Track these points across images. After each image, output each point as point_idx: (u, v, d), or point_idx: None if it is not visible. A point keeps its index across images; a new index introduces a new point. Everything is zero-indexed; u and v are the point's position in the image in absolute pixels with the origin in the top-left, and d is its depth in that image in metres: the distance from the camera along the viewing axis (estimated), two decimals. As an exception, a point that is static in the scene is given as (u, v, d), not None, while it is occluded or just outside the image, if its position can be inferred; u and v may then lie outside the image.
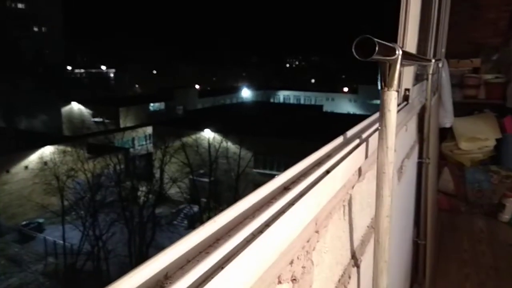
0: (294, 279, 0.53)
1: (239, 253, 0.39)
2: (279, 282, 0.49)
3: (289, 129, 17.60)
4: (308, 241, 0.57)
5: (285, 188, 0.55)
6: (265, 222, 0.45)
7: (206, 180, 17.63)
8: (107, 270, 13.74)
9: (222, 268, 0.36)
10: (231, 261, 0.37)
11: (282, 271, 0.49)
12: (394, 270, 1.29)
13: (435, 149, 2.49)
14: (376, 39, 0.59)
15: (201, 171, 18.21)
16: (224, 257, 0.38)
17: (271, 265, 0.45)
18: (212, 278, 0.35)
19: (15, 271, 14.05)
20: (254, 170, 17.77)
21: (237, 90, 42.23)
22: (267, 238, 0.43)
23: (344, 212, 0.75)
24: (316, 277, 0.62)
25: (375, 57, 0.60)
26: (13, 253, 15.14)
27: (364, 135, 0.84)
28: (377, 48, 0.59)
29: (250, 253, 0.40)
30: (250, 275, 0.41)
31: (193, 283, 0.34)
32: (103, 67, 53.19)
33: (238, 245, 0.40)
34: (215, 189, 17.29)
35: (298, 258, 0.54)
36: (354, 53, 0.59)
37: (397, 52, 0.69)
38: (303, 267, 0.56)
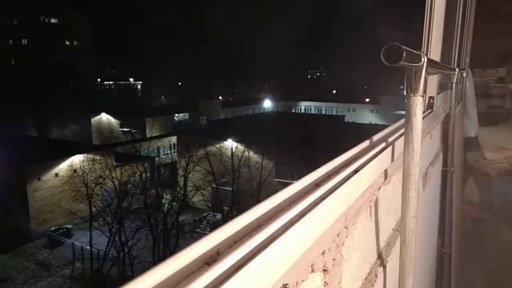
0: (325, 270, 0.57)
1: (279, 237, 0.44)
2: (312, 271, 0.54)
3: (310, 139, 17.49)
4: (338, 235, 0.61)
5: (317, 184, 0.59)
6: (300, 212, 0.50)
7: (229, 188, 17.79)
8: (132, 275, 13.98)
9: (265, 248, 0.41)
10: (272, 243, 0.42)
11: (315, 260, 0.54)
12: (419, 276, 1.29)
13: (460, 158, 2.44)
14: (403, 46, 0.63)
15: (224, 180, 18.36)
16: (266, 239, 0.43)
17: (305, 252, 0.49)
18: (256, 256, 0.40)
19: (44, 275, 14.57)
20: (276, 180, 17.74)
21: (259, 101, 42.56)
22: (303, 226, 0.48)
23: (370, 212, 0.78)
24: (345, 272, 0.65)
25: (402, 63, 0.64)
26: (43, 257, 15.72)
27: (390, 139, 0.87)
28: (404, 55, 0.63)
29: (288, 238, 0.45)
30: (288, 258, 0.46)
31: (240, 259, 0.39)
32: (131, 79, 55.22)
33: (277, 230, 0.45)
34: (238, 198, 17.36)
35: (329, 249, 0.58)
36: (382, 59, 0.63)
37: (422, 59, 0.73)
38: (334, 259, 0.60)
